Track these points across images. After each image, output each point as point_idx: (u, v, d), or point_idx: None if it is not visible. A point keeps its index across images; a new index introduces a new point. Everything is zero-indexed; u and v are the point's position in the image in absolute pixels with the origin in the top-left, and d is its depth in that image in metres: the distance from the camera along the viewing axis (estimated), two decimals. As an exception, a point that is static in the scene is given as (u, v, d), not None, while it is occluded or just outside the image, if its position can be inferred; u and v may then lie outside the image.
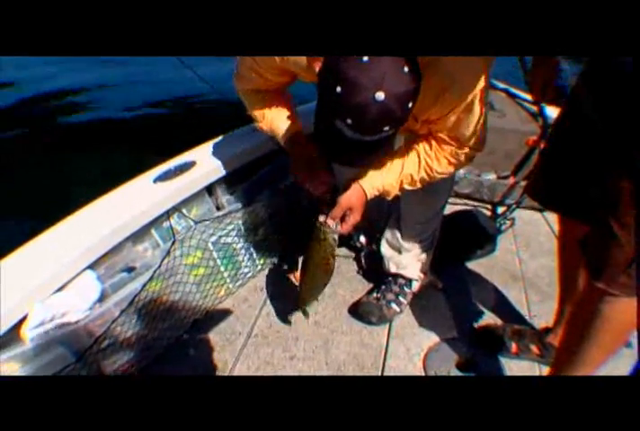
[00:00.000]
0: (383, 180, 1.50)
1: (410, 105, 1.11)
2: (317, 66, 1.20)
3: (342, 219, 1.52)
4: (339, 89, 1.08)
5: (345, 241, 2.24)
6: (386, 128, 1.12)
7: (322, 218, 1.52)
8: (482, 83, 1.30)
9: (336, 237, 1.54)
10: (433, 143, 1.45)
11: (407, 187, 1.53)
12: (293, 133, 1.63)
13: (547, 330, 1.73)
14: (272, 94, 1.63)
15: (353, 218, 1.52)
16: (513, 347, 1.74)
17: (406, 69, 1.07)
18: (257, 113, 1.66)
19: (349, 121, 1.09)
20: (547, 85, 1.45)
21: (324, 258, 1.56)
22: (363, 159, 1.30)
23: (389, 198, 1.57)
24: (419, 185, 1.52)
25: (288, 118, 1.64)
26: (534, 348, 1.72)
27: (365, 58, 1.05)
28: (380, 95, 1.05)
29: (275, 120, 1.64)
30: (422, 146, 1.47)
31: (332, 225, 1.51)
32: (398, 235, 1.88)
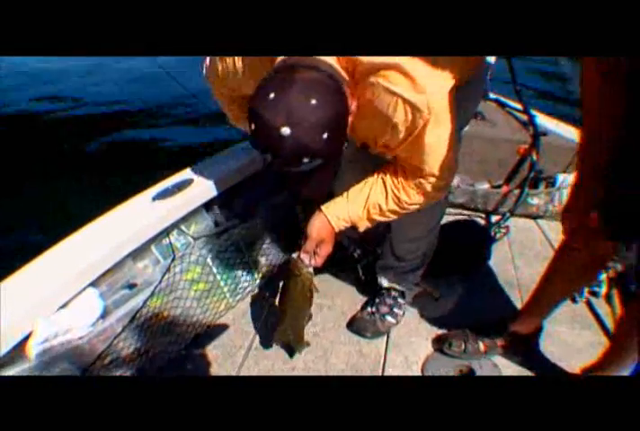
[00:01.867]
0: (348, 210, 1.50)
1: (325, 136, 1.10)
2: None
3: (315, 252, 1.54)
4: (253, 126, 1.11)
5: (343, 252, 2.28)
6: (306, 160, 1.12)
7: (294, 254, 1.55)
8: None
9: (311, 271, 1.56)
10: (400, 171, 1.43)
11: (379, 218, 1.50)
12: None
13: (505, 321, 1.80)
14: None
15: (324, 250, 1.55)
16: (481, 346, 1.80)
17: (314, 102, 1.07)
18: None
19: (269, 156, 1.12)
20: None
21: (302, 293, 1.58)
22: (307, 186, 1.28)
23: (361, 230, 1.55)
24: (392, 216, 1.50)
25: None
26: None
27: (271, 95, 1.07)
28: (286, 130, 1.06)
29: None
30: (388, 176, 1.45)
31: (306, 259, 1.54)
32: (389, 252, 1.89)
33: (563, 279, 1.61)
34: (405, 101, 1.19)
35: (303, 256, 1.54)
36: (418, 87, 1.17)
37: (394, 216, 1.51)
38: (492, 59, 2.45)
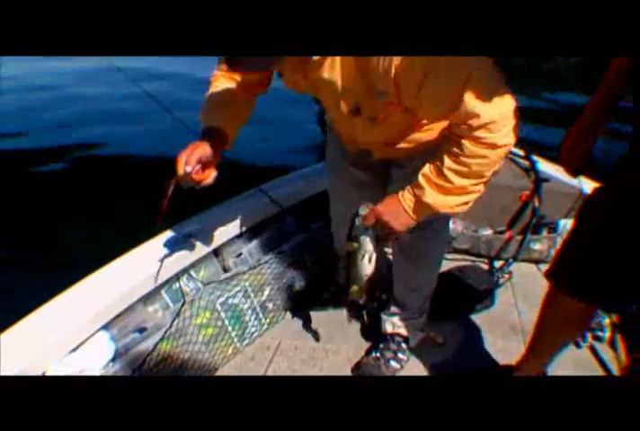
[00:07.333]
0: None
1: None
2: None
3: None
4: None
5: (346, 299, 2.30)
6: None
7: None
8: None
9: (366, 236, 1.47)
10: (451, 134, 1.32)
11: (443, 183, 1.33)
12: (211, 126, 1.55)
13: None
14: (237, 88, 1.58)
15: (387, 224, 1.43)
16: None
17: None
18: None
19: None
20: (575, 154, 1.46)
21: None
22: None
23: (428, 201, 1.37)
24: (455, 179, 1.31)
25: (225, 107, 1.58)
26: None
27: None
28: None
29: (213, 102, 1.59)
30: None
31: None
32: (392, 299, 1.96)
33: (554, 327, 1.63)
34: None
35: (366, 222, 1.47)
36: None
37: (458, 179, 1.32)
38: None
